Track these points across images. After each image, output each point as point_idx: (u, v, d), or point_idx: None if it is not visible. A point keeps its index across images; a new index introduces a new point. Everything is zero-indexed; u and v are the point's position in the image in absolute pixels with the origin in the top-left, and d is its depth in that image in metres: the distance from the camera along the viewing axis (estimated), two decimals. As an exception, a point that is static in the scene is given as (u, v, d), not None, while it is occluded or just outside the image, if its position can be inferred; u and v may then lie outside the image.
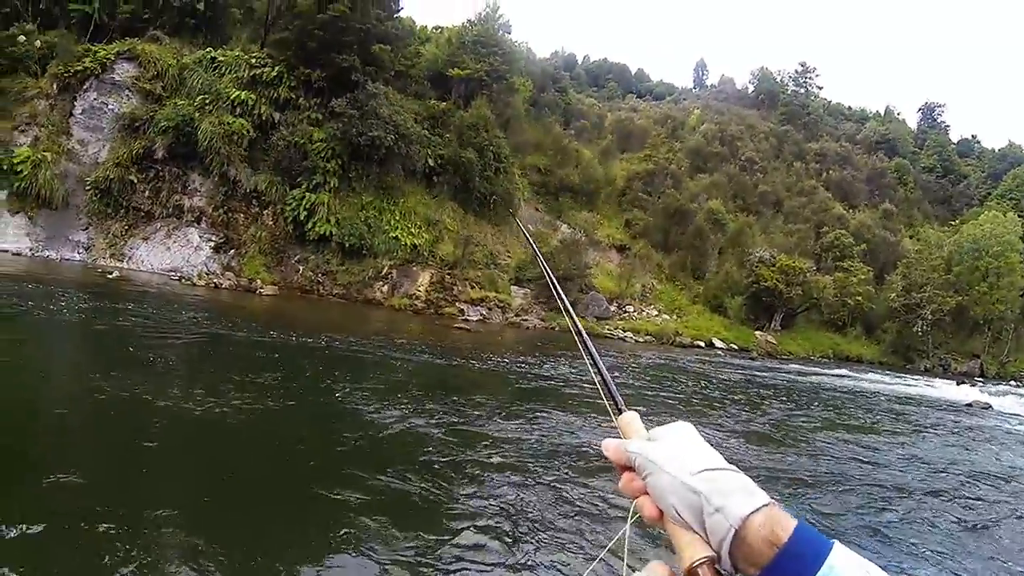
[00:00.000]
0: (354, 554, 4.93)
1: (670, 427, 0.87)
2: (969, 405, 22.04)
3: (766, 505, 0.71)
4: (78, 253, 25.12)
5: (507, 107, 39.09)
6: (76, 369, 9.15)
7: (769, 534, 0.68)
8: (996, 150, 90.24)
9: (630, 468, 0.86)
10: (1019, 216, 52.60)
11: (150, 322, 13.86)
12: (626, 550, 0.87)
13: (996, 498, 9.62)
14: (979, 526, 8.08)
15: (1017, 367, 42.80)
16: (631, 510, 0.85)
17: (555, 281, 1.51)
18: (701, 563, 0.73)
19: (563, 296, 1.40)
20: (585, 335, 1.22)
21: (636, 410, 0.97)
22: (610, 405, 1.03)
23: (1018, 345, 44.73)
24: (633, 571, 0.82)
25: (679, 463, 0.78)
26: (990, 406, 22.14)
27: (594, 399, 12.94)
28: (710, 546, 0.73)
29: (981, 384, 33.09)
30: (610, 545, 1.16)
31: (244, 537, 5.16)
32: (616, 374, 18.60)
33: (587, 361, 1.17)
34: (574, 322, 1.27)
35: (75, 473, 5.60)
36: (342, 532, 5.29)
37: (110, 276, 21.39)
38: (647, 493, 0.82)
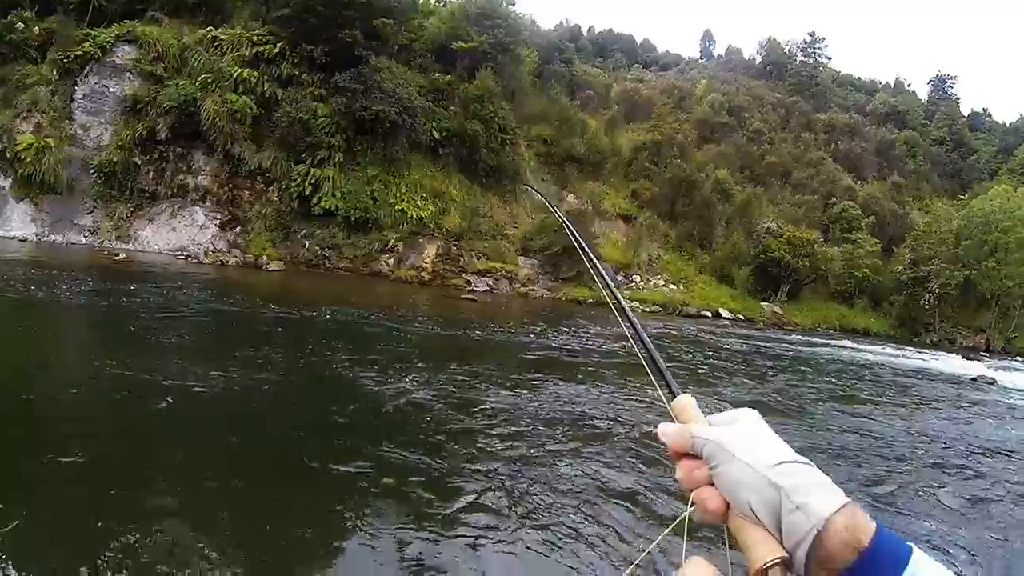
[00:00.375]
0: (360, 528, 4.96)
1: (733, 413, 0.82)
2: (975, 379, 21.85)
3: (846, 504, 0.66)
4: (84, 236, 25.29)
5: (512, 79, 38.75)
6: (80, 351, 9.13)
7: (851, 537, 0.64)
8: (1008, 124, 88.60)
9: (691, 455, 0.79)
10: (1029, 191, 52.23)
11: (155, 301, 13.91)
12: (685, 543, 0.78)
13: (997, 473, 9.56)
14: (979, 500, 8.03)
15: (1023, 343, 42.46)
16: (690, 501, 0.79)
17: (588, 248, 1.38)
18: (774, 564, 0.67)
19: (599, 264, 1.28)
20: (628, 308, 1.11)
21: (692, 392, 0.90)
22: (662, 387, 0.95)
23: (1025, 322, 44.36)
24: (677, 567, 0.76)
25: (756, 453, 0.72)
26: (995, 381, 21.94)
27: (599, 369, 13.08)
28: (782, 546, 0.68)
29: (987, 359, 32.99)
30: (659, 539, 1.02)
31: (248, 510, 5.20)
32: (626, 344, 18.67)
33: (628, 334, 1.08)
34: (613, 293, 1.19)
35: (78, 453, 5.66)
36: (347, 505, 5.35)
37: (116, 258, 21.49)
38: (711, 484, 0.76)
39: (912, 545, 0.64)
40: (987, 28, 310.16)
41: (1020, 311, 43.26)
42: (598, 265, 1.30)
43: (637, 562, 4.64)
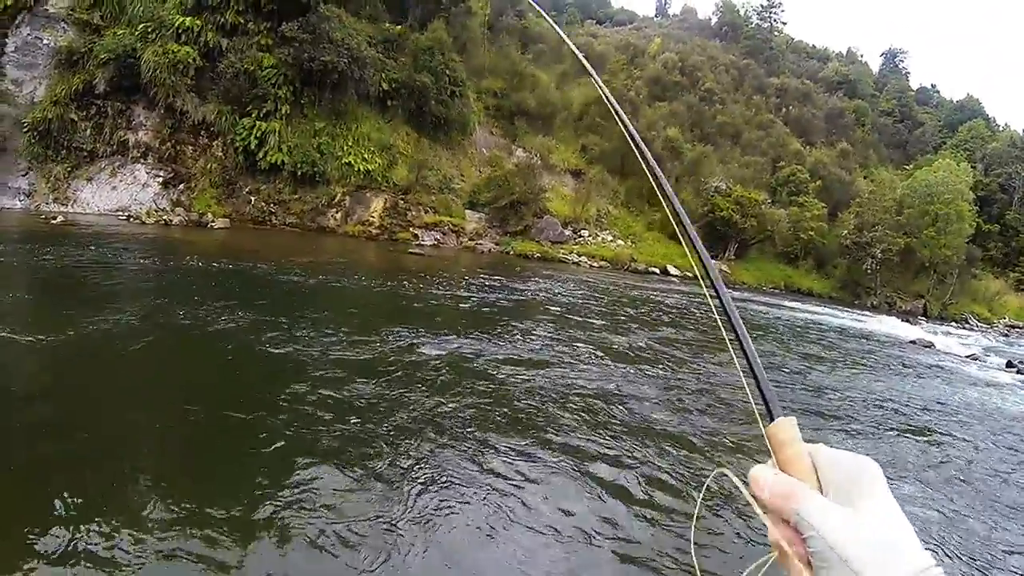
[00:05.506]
0: (289, 494, 4.89)
1: (849, 467, 0.67)
2: (912, 342, 22.96)
3: None
4: (19, 200, 23.95)
5: (464, 31, 38.49)
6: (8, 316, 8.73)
7: None
8: (954, 101, 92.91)
9: (789, 523, 0.66)
10: (971, 167, 54.54)
11: (94, 264, 13.26)
12: None
13: (932, 430, 10.13)
14: (912, 455, 8.46)
15: (958, 310, 44.73)
16: (767, 563, 0.70)
17: (691, 229, 1.00)
18: None
19: (702, 250, 0.96)
20: (728, 301, 0.89)
21: (791, 413, 0.74)
22: (757, 404, 0.78)
23: (961, 289, 46.66)
24: None
25: (875, 566, 0.58)
26: (932, 344, 23.09)
27: (537, 322, 13.31)
28: None
29: (924, 323, 34.61)
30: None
31: (183, 474, 5.16)
32: (568, 293, 18.99)
33: (724, 334, 0.90)
34: (715, 285, 0.93)
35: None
36: (279, 469, 5.30)
37: (54, 221, 20.44)
38: (809, 564, 0.63)
39: None
40: (940, 7, 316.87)
41: (956, 279, 45.48)
42: (701, 250, 0.97)
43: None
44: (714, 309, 0.93)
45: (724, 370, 11.26)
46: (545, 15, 2.12)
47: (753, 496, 0.70)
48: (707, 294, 0.95)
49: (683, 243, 1.01)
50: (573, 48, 1.66)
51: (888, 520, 0.62)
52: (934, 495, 7.03)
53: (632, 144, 1.16)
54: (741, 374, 0.82)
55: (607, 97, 1.30)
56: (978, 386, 15.42)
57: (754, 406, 0.78)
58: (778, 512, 0.67)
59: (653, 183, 1.10)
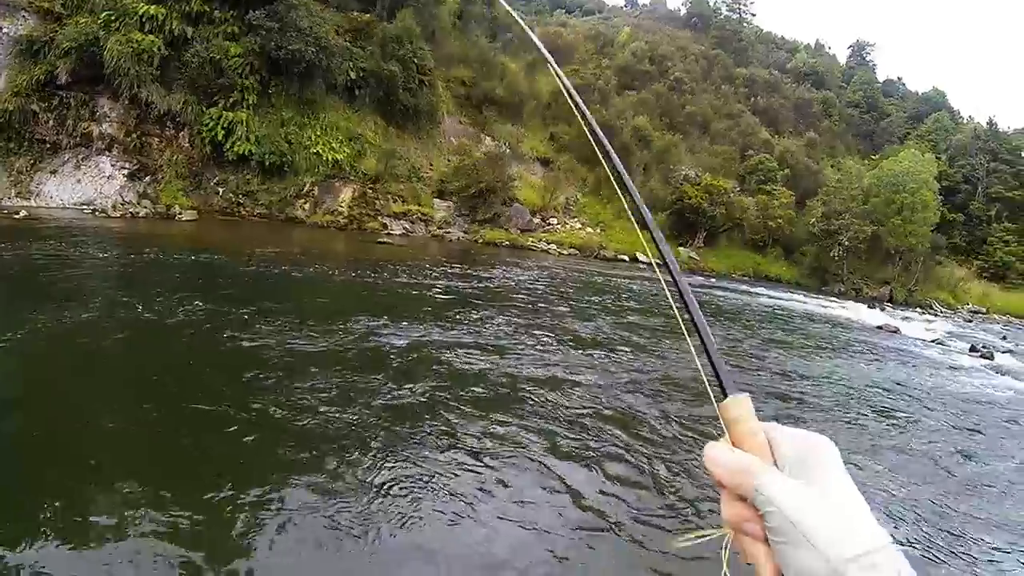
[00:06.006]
0: (252, 490, 4.86)
1: (804, 444, 0.67)
2: (879, 327, 23.55)
3: None
4: None
5: (433, 19, 38.29)
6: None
7: None
8: (920, 93, 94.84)
9: (746, 501, 0.65)
10: (936, 157, 55.68)
11: (56, 260, 12.93)
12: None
13: (894, 409, 10.55)
14: (888, 433, 8.82)
15: (923, 296, 45.65)
16: (725, 545, 0.67)
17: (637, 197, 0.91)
18: None
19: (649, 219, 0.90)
20: (675, 269, 0.83)
21: (746, 390, 0.71)
22: (710, 381, 0.74)
23: (926, 276, 47.60)
24: None
25: (834, 539, 0.57)
26: (898, 330, 23.69)
27: (502, 309, 13.46)
28: None
29: (890, 309, 35.48)
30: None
31: (143, 468, 5.08)
32: (536, 281, 19.12)
33: (672, 303, 0.84)
34: (664, 255, 0.87)
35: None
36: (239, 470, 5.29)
37: (17, 217, 19.84)
38: (765, 541, 0.63)
39: None
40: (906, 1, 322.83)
41: (921, 266, 46.44)
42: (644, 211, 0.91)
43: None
44: (664, 284, 0.87)
45: (686, 355, 11.52)
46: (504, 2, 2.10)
47: (708, 473, 0.68)
48: (654, 264, 0.87)
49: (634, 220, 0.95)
50: (531, 34, 1.70)
51: (844, 496, 0.62)
52: (894, 474, 7.26)
53: (589, 133, 1.08)
54: (693, 351, 0.77)
55: (562, 80, 1.22)
56: (941, 370, 15.83)
57: (707, 383, 0.74)
58: (734, 488, 0.65)
59: (607, 168, 1.04)
